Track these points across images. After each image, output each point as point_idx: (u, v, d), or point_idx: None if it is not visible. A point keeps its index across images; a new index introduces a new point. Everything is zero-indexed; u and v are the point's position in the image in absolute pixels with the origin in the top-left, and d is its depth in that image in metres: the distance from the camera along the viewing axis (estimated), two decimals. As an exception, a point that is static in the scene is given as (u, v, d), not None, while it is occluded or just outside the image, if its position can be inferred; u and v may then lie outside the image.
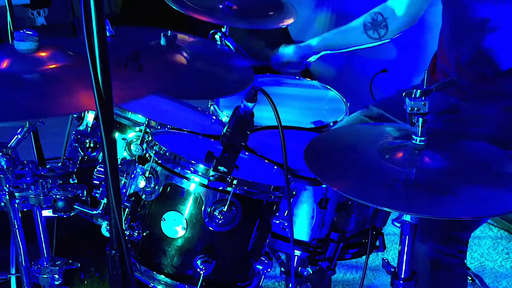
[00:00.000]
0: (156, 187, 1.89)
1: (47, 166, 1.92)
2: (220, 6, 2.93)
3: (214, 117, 2.55)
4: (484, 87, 2.41)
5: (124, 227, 1.44)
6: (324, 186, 2.08)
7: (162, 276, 1.88)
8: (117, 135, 1.64)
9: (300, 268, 2.16)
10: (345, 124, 2.60)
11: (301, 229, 2.13)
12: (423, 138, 1.77)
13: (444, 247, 2.15)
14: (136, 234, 1.90)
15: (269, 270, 1.99)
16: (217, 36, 2.79)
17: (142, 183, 1.90)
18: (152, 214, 1.90)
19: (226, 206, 1.81)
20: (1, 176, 1.81)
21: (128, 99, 1.71)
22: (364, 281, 2.12)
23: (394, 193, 1.65)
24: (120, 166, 2.05)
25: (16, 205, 1.84)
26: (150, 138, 1.98)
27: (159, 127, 2.20)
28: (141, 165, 1.98)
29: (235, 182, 1.80)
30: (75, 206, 1.91)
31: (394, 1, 2.57)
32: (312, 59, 2.75)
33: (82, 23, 1.26)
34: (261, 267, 1.97)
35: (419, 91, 1.73)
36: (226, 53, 2.72)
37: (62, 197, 1.87)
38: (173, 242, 1.86)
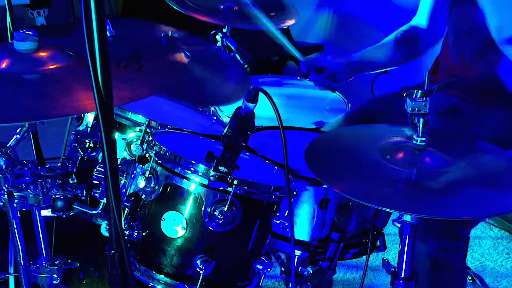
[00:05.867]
0: (156, 187, 1.89)
1: (47, 166, 1.91)
2: (221, 7, 2.93)
3: (214, 118, 2.55)
4: (488, 87, 2.41)
5: (123, 227, 1.43)
6: (325, 186, 2.08)
7: (162, 276, 1.88)
8: (117, 135, 1.64)
9: (300, 268, 2.16)
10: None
11: (302, 229, 2.13)
12: (423, 139, 1.77)
13: (443, 243, 2.15)
14: (135, 234, 1.90)
15: (269, 270, 1.99)
16: (218, 37, 2.79)
17: (142, 183, 1.89)
18: (152, 214, 1.89)
19: (226, 206, 1.81)
20: (0, 176, 1.80)
21: (128, 99, 1.71)
22: (364, 280, 2.12)
23: (395, 193, 1.65)
24: (120, 166, 2.05)
25: (15, 204, 1.84)
26: (150, 138, 1.98)
27: (159, 127, 2.20)
28: (141, 165, 1.98)
29: (235, 182, 1.80)
30: (75, 206, 1.90)
31: (416, 19, 2.61)
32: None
33: (82, 24, 1.26)
34: (261, 267, 1.97)
35: (420, 91, 1.73)
36: (226, 56, 2.72)
37: (62, 197, 1.87)
38: (173, 242, 1.86)
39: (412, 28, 2.63)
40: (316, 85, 2.65)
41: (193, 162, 1.84)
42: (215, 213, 1.82)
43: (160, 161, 1.89)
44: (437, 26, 2.57)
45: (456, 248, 2.19)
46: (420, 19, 2.63)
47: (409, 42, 2.59)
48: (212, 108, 2.70)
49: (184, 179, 1.85)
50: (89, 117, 2.29)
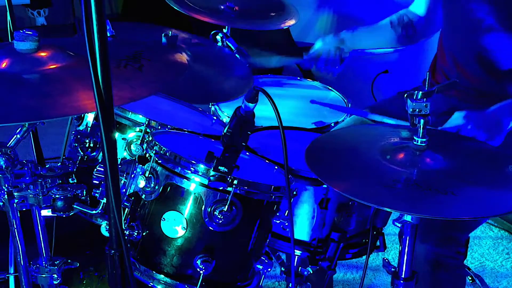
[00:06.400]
0: (156, 187, 1.89)
1: (47, 166, 1.91)
2: (222, 7, 2.93)
3: (214, 118, 2.54)
4: (485, 88, 2.41)
5: (123, 227, 1.43)
6: (325, 186, 2.08)
7: (162, 276, 1.88)
8: (117, 135, 1.64)
9: (300, 268, 2.16)
10: (346, 125, 2.59)
11: (302, 229, 2.13)
12: (424, 139, 1.77)
13: (442, 249, 2.15)
14: (135, 233, 1.89)
15: (269, 269, 1.99)
16: (218, 37, 2.79)
17: (142, 183, 1.89)
18: (152, 213, 1.89)
19: (226, 206, 1.81)
20: (0, 176, 1.80)
21: (128, 99, 1.71)
22: (364, 280, 2.12)
23: (395, 194, 1.65)
24: (120, 166, 2.05)
25: (15, 204, 1.84)
26: (150, 138, 1.98)
27: (159, 127, 2.20)
28: (141, 165, 1.98)
29: (235, 182, 1.80)
30: (75, 206, 1.90)
31: (414, 6, 2.60)
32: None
33: (83, 24, 1.26)
34: (261, 267, 1.97)
35: (420, 92, 1.73)
36: (226, 55, 2.72)
37: (62, 197, 1.86)
38: (173, 241, 1.86)
39: (408, 13, 2.62)
40: (328, 72, 2.65)
41: (193, 162, 1.84)
42: (215, 213, 1.82)
43: (160, 161, 1.89)
44: (434, 16, 2.56)
45: (455, 254, 2.19)
46: (418, 7, 2.62)
47: (405, 26, 2.59)
48: (212, 108, 2.70)
49: (184, 179, 1.85)
50: (89, 117, 2.29)
